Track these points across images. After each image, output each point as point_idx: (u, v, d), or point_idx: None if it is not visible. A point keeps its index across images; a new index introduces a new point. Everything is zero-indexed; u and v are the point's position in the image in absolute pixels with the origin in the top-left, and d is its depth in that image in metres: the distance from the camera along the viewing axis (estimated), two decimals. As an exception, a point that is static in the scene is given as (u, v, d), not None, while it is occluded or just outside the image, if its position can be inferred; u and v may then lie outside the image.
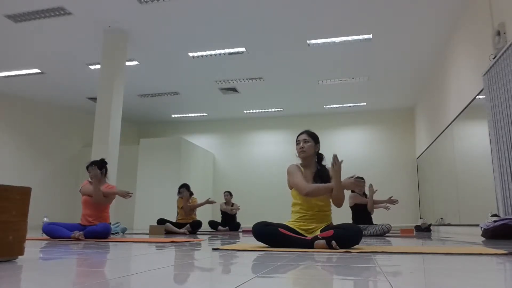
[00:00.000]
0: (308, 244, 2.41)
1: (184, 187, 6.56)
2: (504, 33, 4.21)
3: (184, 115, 11.47)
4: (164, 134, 12.15)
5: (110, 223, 4.07)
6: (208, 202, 6.34)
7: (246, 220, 8.40)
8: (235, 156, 11.39)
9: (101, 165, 4.13)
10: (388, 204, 5.51)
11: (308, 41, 6.76)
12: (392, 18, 5.98)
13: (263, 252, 2.16)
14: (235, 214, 8.22)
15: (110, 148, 6.12)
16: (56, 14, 5.91)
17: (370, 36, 6.51)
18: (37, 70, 8.09)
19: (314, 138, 2.81)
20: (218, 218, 8.27)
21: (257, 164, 11.28)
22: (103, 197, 3.98)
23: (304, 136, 2.80)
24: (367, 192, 5.48)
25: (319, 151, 2.83)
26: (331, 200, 2.67)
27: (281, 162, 10.50)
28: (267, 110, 10.85)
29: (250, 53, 7.25)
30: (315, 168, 2.77)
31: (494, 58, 4.31)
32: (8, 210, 1.64)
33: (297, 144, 2.80)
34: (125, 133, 10.15)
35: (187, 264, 1.64)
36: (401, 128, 10.59)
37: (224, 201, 8.26)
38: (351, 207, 5.56)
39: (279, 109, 10.77)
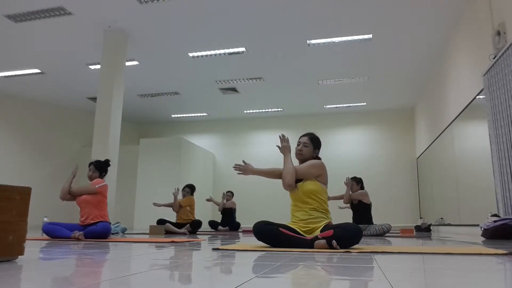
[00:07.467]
0: (308, 244, 2.41)
1: (189, 187, 6.76)
2: (504, 33, 4.21)
3: (184, 115, 11.47)
4: (164, 134, 12.15)
5: (110, 223, 4.07)
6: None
7: (246, 220, 8.40)
8: (235, 156, 11.37)
9: (100, 167, 4.12)
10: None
11: (308, 41, 6.76)
12: (392, 18, 5.98)
13: (263, 252, 2.16)
14: (232, 209, 8.18)
15: (110, 148, 6.11)
16: (56, 14, 5.91)
17: (370, 36, 6.51)
18: (37, 70, 8.08)
19: (315, 144, 2.81)
20: (218, 218, 8.26)
21: (257, 164, 10.98)
22: (68, 193, 3.96)
23: (305, 140, 2.81)
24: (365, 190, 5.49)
25: (317, 156, 2.83)
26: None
27: (281, 162, 10.37)
28: (267, 110, 10.85)
29: (250, 53, 7.25)
30: None
31: (494, 58, 4.31)
32: (8, 210, 1.64)
33: (297, 145, 2.82)
34: (125, 133, 10.15)
35: (187, 264, 1.64)
36: (401, 128, 10.59)
37: (225, 201, 8.24)
38: (351, 207, 5.57)
39: (279, 109, 10.77)
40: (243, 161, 2.83)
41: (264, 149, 11.26)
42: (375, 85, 8.80)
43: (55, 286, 1.04)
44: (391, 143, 10.58)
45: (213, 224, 8.12)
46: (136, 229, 8.57)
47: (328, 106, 10.44)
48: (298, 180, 2.73)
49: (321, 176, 2.70)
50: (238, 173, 2.81)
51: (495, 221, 3.73)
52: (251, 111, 10.95)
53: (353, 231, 2.39)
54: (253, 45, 6.94)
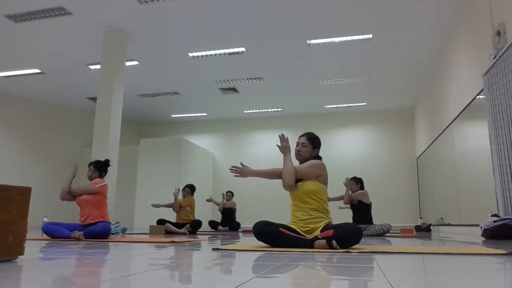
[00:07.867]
0: (308, 244, 2.41)
1: (189, 187, 6.76)
2: (504, 33, 4.21)
3: (184, 115, 11.47)
4: (164, 134, 12.15)
5: (110, 223, 4.07)
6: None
7: (246, 220, 8.40)
8: (235, 156, 11.37)
9: (100, 167, 4.12)
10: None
11: (308, 41, 6.76)
12: (392, 18, 5.98)
13: (263, 252, 2.16)
14: (232, 209, 8.18)
15: (110, 148, 6.11)
16: (56, 14, 5.91)
17: (370, 36, 6.51)
18: (37, 70, 8.08)
19: (313, 143, 2.80)
20: (218, 218, 8.26)
21: (257, 164, 11.07)
22: (68, 193, 3.98)
23: (302, 140, 2.80)
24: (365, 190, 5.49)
25: (318, 155, 2.82)
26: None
27: (281, 162, 10.35)
28: (267, 110, 10.85)
29: (250, 53, 7.25)
30: None
31: (494, 58, 4.31)
32: (8, 210, 1.64)
33: (296, 146, 2.81)
34: (125, 133, 10.15)
35: (187, 264, 1.64)
36: (401, 128, 10.59)
37: (225, 201, 8.24)
38: (351, 207, 5.57)
39: (279, 109, 10.77)
40: (241, 163, 2.77)
41: (264, 149, 11.26)
42: (375, 85, 8.80)
43: (55, 286, 1.04)
44: (391, 143, 10.58)
45: (213, 224, 8.12)
46: (136, 229, 8.57)
47: (328, 106, 10.44)
48: (298, 180, 2.73)
49: (321, 176, 2.70)
50: (235, 176, 2.70)
51: (495, 221, 3.72)
52: (251, 111, 10.95)
53: (353, 231, 2.39)
54: (253, 45, 6.94)
